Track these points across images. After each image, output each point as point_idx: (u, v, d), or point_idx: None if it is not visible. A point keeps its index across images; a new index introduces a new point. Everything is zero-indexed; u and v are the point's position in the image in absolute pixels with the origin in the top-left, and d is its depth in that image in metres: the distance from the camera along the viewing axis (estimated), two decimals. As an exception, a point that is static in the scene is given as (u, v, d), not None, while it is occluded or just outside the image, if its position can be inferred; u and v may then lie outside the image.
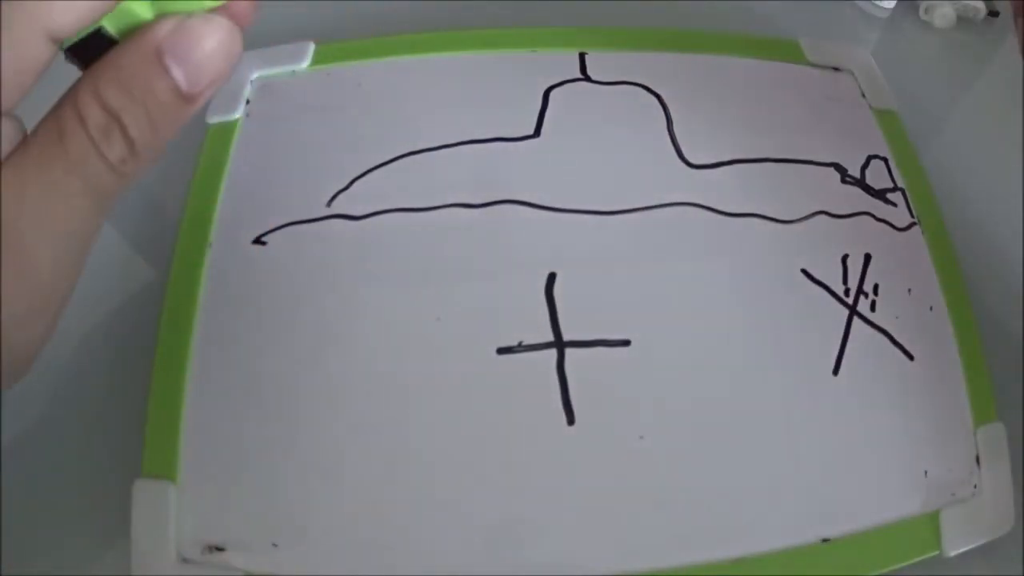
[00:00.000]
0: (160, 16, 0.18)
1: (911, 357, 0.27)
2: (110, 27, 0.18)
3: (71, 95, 0.17)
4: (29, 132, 0.18)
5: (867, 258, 0.29)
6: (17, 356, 0.18)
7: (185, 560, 0.23)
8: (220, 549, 0.23)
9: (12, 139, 0.17)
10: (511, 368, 0.26)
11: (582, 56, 0.33)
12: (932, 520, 0.25)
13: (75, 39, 0.18)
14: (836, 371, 0.27)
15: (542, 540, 0.24)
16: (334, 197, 0.29)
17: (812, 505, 0.25)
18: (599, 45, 0.33)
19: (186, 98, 0.18)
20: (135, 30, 0.18)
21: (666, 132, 0.31)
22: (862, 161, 0.31)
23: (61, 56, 0.19)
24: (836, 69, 0.34)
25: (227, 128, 0.30)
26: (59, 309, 0.19)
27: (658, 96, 0.32)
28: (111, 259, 0.30)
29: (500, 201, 0.29)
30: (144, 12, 0.18)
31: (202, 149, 0.30)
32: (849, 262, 0.29)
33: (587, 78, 0.32)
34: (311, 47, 0.32)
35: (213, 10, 0.19)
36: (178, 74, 0.18)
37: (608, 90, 0.32)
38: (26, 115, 0.18)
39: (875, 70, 0.34)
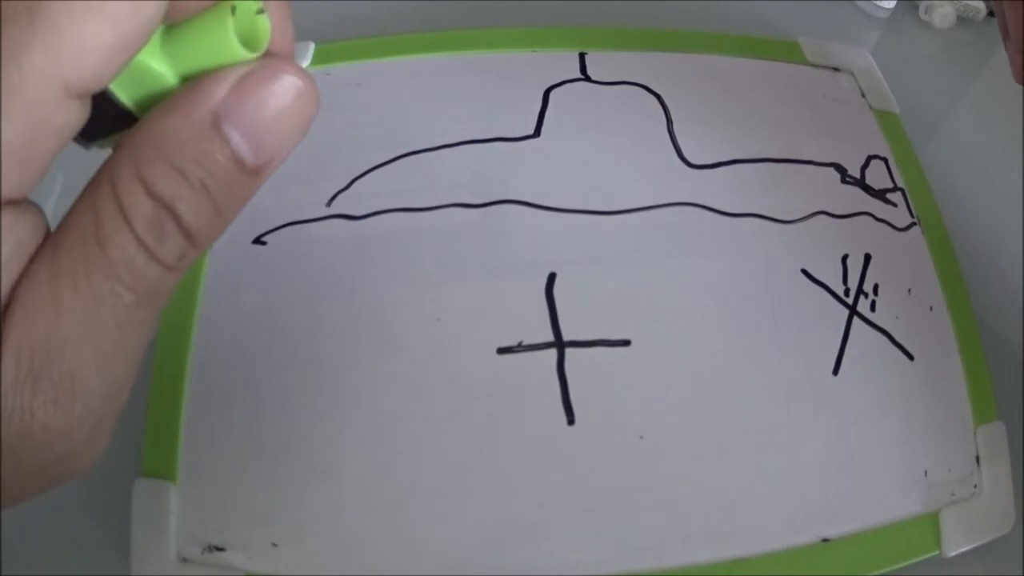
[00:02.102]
0: (200, 74, 0.14)
1: (911, 357, 0.27)
2: (122, 95, 0.14)
3: (107, 181, 0.13)
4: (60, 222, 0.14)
5: (867, 258, 0.29)
6: (76, 474, 0.15)
7: (185, 560, 0.23)
8: (220, 549, 0.23)
9: (29, 236, 0.13)
10: (511, 368, 0.26)
11: (582, 56, 0.33)
12: (932, 520, 0.25)
13: None
14: (836, 371, 0.27)
15: (542, 540, 0.24)
16: (334, 197, 0.29)
17: (812, 505, 0.25)
18: (599, 45, 0.33)
19: (253, 171, 0.14)
20: (159, 97, 0.14)
21: (666, 132, 0.31)
22: (862, 161, 0.31)
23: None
24: (836, 69, 0.34)
25: (227, 128, 0.30)
26: (112, 425, 0.15)
27: (658, 96, 0.32)
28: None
29: (500, 201, 0.29)
30: (161, 68, 0.14)
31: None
32: (849, 262, 0.29)
33: (587, 78, 0.32)
34: (311, 47, 0.32)
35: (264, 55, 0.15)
36: (242, 144, 0.14)
37: (608, 90, 0.32)
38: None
39: (875, 70, 0.34)
